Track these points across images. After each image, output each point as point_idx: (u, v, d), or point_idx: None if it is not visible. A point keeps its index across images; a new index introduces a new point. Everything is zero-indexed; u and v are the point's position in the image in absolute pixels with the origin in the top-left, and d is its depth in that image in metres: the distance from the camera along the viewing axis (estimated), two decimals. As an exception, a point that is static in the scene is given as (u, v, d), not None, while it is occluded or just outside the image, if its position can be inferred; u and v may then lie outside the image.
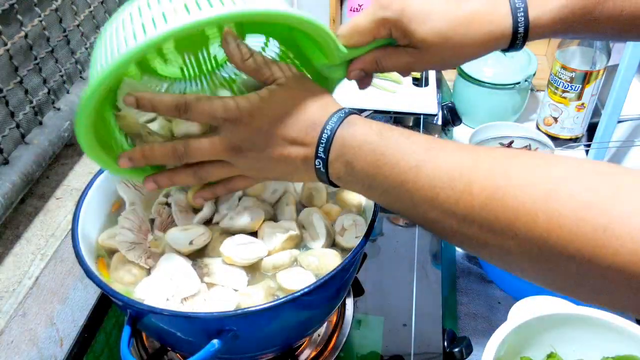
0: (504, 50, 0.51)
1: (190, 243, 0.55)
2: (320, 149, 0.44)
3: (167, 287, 0.52)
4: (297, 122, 0.45)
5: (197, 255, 0.56)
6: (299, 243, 0.58)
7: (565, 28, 0.49)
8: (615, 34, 0.52)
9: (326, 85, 0.54)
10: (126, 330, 0.48)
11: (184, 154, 0.48)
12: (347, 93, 1.05)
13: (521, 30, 0.49)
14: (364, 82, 0.55)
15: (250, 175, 0.50)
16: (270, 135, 0.46)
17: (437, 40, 0.48)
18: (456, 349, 0.65)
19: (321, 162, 0.45)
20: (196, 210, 0.59)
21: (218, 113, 0.46)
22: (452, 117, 1.06)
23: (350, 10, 1.36)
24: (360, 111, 1.04)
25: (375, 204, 0.56)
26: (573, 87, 1.12)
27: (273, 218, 0.60)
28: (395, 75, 1.08)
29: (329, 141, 0.44)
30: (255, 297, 0.52)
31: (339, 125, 0.44)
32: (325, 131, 0.44)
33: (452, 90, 1.27)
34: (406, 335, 0.66)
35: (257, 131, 0.46)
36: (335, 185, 0.47)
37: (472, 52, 0.50)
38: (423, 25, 0.48)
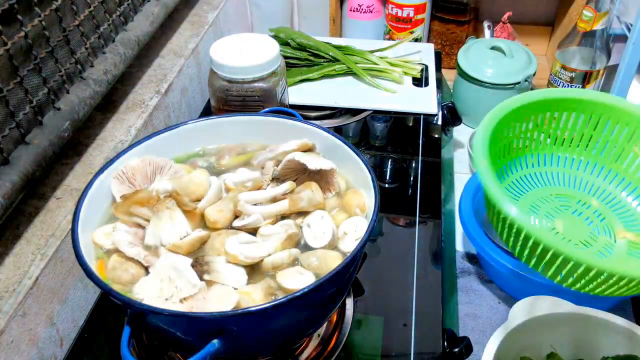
0: None
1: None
2: None
3: (166, 286, 0.52)
4: None
5: (196, 254, 0.57)
6: (298, 241, 0.58)
7: None
8: None
9: None
10: (126, 330, 0.48)
11: None
12: (346, 93, 1.05)
13: None
14: None
15: None
16: None
17: None
18: (456, 349, 0.65)
19: None
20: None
21: None
22: (452, 117, 1.06)
23: (350, 10, 1.36)
24: (360, 111, 1.04)
25: (375, 205, 0.56)
26: (573, 87, 1.12)
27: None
28: (395, 75, 1.08)
29: None
30: (255, 296, 0.52)
31: None
32: None
33: (452, 90, 1.27)
34: (406, 335, 0.66)
35: None
36: None
37: None
38: None
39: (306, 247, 0.58)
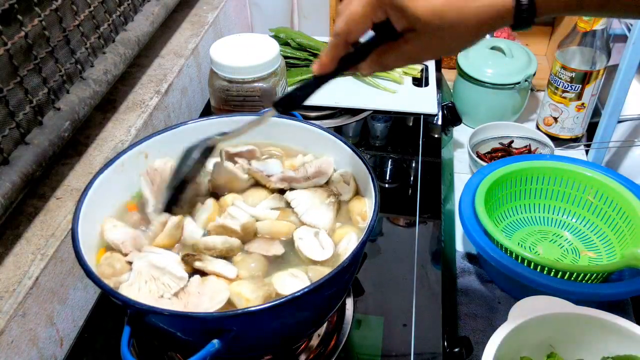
0: (514, 28, 0.46)
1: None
2: None
3: (154, 286, 0.52)
4: None
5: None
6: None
7: (579, 2, 0.44)
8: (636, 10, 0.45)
9: None
10: (126, 330, 0.48)
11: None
12: (346, 92, 1.05)
13: (524, 1, 0.44)
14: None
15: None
16: None
17: (434, 19, 0.45)
18: (456, 349, 0.65)
19: None
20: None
21: None
22: (452, 117, 1.06)
23: (350, 10, 1.36)
24: (360, 111, 1.04)
25: (375, 205, 0.56)
26: (573, 87, 1.12)
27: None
28: (395, 75, 1.08)
29: None
30: (251, 295, 0.52)
31: None
32: None
33: (452, 90, 1.27)
34: (406, 335, 0.66)
35: None
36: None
37: (474, 30, 0.46)
38: (417, 1, 0.44)
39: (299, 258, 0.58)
